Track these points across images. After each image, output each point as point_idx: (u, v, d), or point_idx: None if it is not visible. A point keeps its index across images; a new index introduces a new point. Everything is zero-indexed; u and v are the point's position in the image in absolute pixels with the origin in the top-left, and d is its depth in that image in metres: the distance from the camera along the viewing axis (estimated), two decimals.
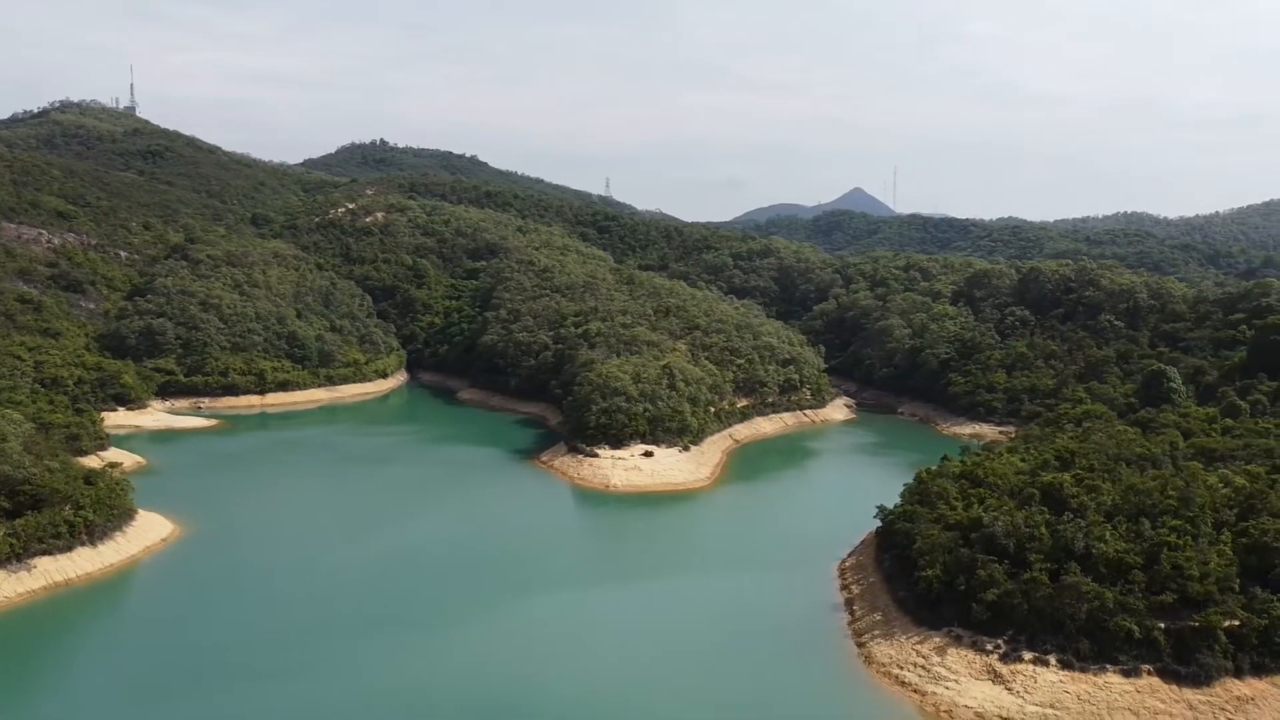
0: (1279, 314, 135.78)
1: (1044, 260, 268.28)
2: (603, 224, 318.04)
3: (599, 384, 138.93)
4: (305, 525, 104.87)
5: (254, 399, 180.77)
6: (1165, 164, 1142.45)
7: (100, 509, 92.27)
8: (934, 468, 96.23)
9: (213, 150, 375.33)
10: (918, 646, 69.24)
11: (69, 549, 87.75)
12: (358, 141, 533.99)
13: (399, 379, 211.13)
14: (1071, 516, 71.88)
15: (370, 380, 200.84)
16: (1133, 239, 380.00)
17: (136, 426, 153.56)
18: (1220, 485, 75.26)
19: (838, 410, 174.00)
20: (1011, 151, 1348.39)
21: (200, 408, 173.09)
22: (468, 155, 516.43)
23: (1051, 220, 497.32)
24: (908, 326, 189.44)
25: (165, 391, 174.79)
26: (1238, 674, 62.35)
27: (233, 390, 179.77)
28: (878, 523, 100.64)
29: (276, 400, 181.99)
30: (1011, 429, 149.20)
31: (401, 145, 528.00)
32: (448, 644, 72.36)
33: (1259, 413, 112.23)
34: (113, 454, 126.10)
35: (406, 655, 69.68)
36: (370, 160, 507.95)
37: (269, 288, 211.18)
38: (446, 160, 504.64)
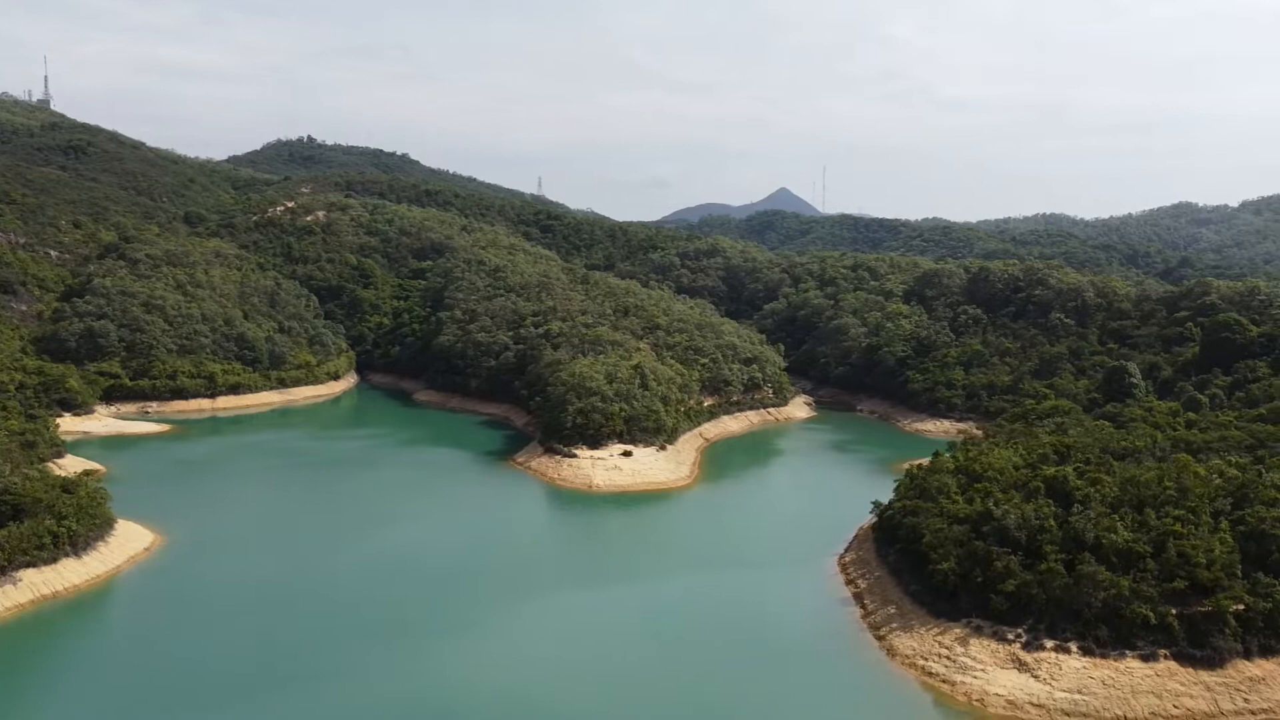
0: (1226, 312, 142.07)
1: (975, 260, 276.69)
2: (545, 223, 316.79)
3: (573, 384, 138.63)
4: (290, 532, 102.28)
5: (204, 403, 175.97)
6: (1078, 167, 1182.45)
7: (83, 518, 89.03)
8: (925, 463, 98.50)
9: (137, 146, 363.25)
10: (939, 638, 70.91)
11: (53, 560, 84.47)
12: (285, 138, 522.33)
13: (350, 381, 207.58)
14: (1081, 508, 74.30)
15: (322, 382, 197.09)
16: (1056, 239, 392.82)
17: (85, 432, 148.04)
18: (1214, 476, 78.64)
19: (799, 408, 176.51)
20: (932, 153, 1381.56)
21: (148, 412, 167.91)
22: (399, 153, 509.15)
23: (974, 221, 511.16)
24: (863, 325, 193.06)
25: (110, 396, 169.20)
26: (1247, 656, 65.26)
27: (182, 394, 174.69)
28: (866, 518, 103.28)
29: (228, 404, 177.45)
30: (973, 424, 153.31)
31: (330, 142, 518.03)
32: (466, 650, 71.53)
33: (1217, 406, 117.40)
34: (69, 461, 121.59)
35: (423, 662, 68.61)
36: (298, 157, 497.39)
37: (213, 288, 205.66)
38: (378, 158, 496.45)
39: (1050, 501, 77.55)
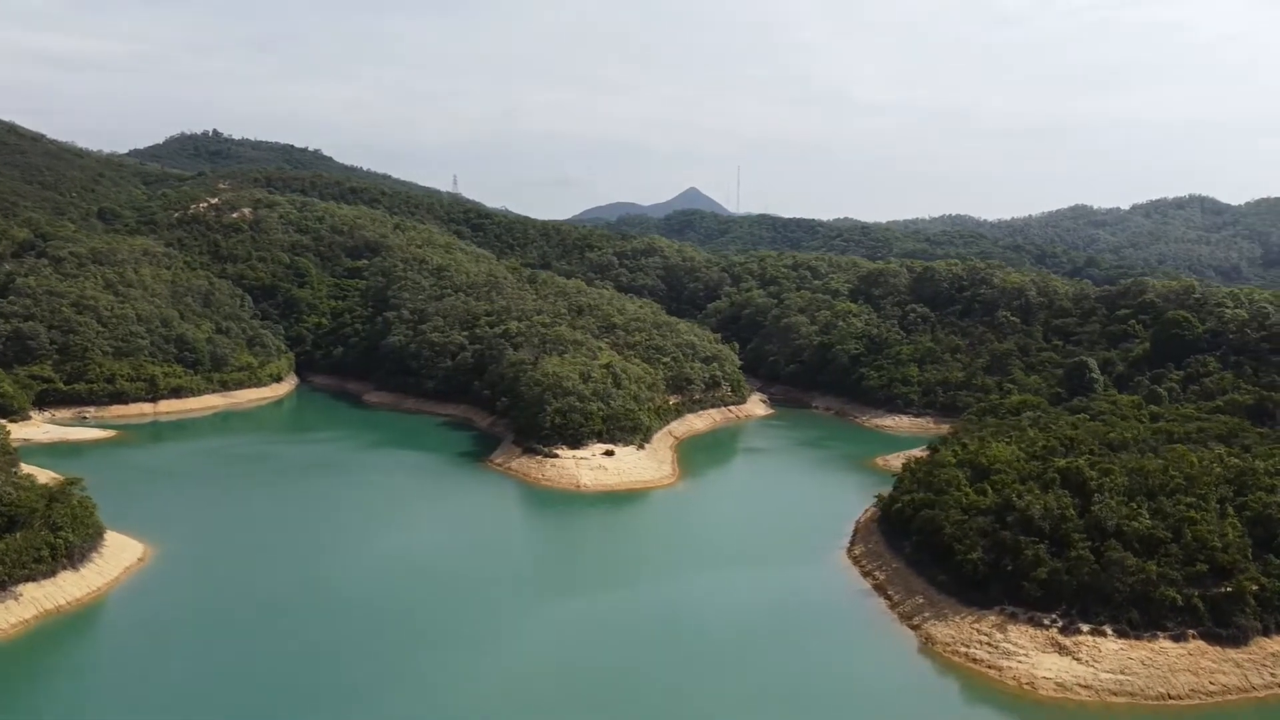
0: (1164, 309, 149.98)
1: (896, 259, 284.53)
2: (475, 222, 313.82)
3: (549, 384, 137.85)
4: (284, 540, 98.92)
5: (146, 407, 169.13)
6: (978, 170, 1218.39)
7: (78, 529, 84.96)
8: (918, 457, 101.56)
9: (37, 138, 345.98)
10: (975, 625, 73.31)
11: (53, 573, 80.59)
12: (188, 132, 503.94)
13: (292, 383, 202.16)
14: (1101, 497, 77.72)
15: (265, 385, 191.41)
16: (968, 240, 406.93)
17: (25, 439, 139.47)
18: (1214, 465, 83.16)
19: (757, 406, 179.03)
20: (840, 155, 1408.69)
21: (86, 417, 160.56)
22: (311, 149, 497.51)
23: (884, 221, 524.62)
24: (813, 324, 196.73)
25: (43, 401, 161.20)
26: (1266, 633, 69.44)
27: (121, 398, 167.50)
28: (858, 511, 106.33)
29: (170, 408, 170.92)
30: (930, 420, 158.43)
31: (238, 137, 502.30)
32: (513, 656, 70.88)
33: (1175, 399, 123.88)
34: (22, 470, 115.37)
35: (466, 672, 67.43)
36: (204, 152, 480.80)
37: (145, 288, 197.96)
38: (288, 154, 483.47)
39: (1065, 492, 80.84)
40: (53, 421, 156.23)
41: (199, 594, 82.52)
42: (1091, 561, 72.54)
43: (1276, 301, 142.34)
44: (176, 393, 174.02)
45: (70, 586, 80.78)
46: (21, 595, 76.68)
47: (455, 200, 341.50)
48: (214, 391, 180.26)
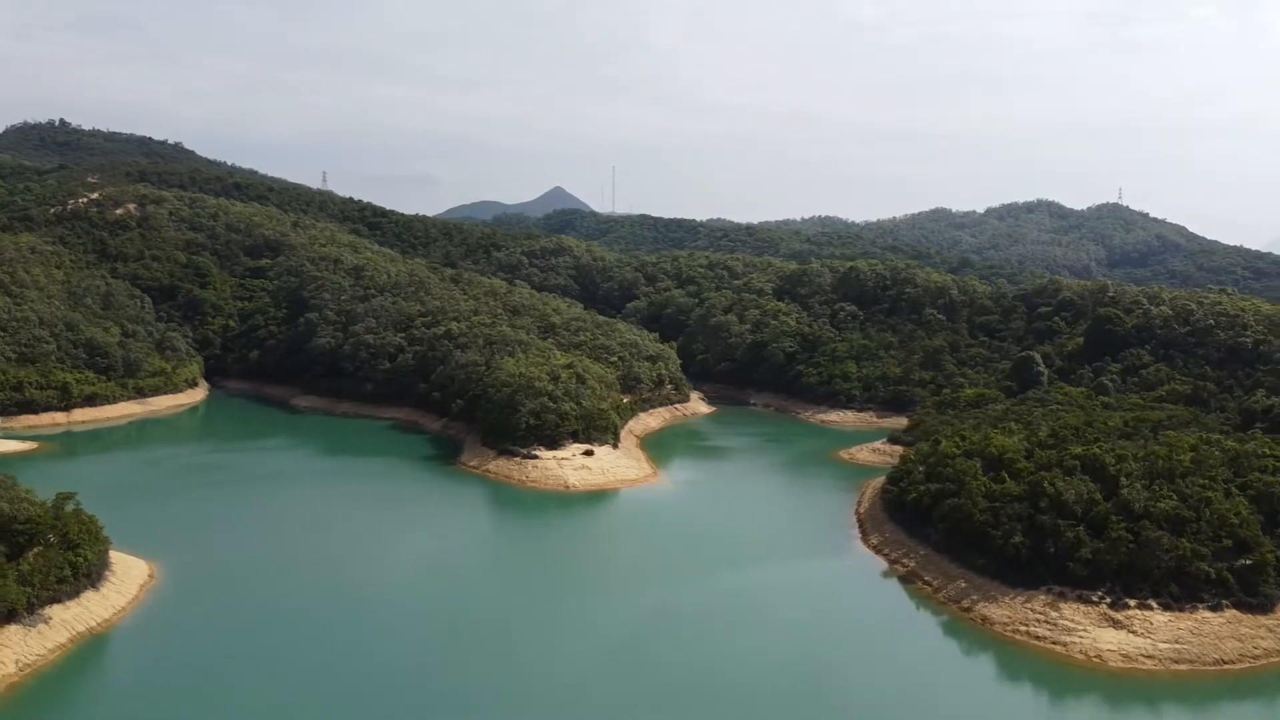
0: (1088, 306, 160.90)
1: (812, 261, 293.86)
2: (372, 220, 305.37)
3: (520, 385, 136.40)
4: (291, 550, 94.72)
5: (58, 416, 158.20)
6: (839, 172, 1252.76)
7: (92, 546, 79.37)
8: (920, 450, 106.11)
9: None
10: (1027, 605, 77.51)
11: (77, 594, 75.48)
12: (31, 121, 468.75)
13: (205, 388, 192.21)
14: (1127, 481, 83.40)
15: (182, 390, 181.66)
16: (846, 241, 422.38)
17: None
18: (1213, 449, 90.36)
19: (699, 404, 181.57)
20: (702, 156, 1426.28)
21: None
22: (171, 141, 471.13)
23: (756, 222, 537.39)
24: (743, 323, 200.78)
25: None
26: None
27: (30, 407, 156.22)
28: (850, 503, 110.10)
29: (85, 416, 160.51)
30: (873, 414, 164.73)
31: (89, 127, 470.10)
32: (589, 649, 70.92)
33: (1119, 390, 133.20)
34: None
35: (550, 678, 66.91)
36: (50, 143, 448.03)
37: (39, 289, 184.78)
38: (146, 146, 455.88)
39: (1087, 477, 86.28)
40: None
41: (229, 610, 78.51)
42: (1129, 541, 77.83)
43: (1196, 299, 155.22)
44: (91, 401, 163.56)
45: (96, 607, 75.72)
46: (51, 618, 71.48)
47: (348, 199, 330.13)
48: (130, 399, 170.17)
